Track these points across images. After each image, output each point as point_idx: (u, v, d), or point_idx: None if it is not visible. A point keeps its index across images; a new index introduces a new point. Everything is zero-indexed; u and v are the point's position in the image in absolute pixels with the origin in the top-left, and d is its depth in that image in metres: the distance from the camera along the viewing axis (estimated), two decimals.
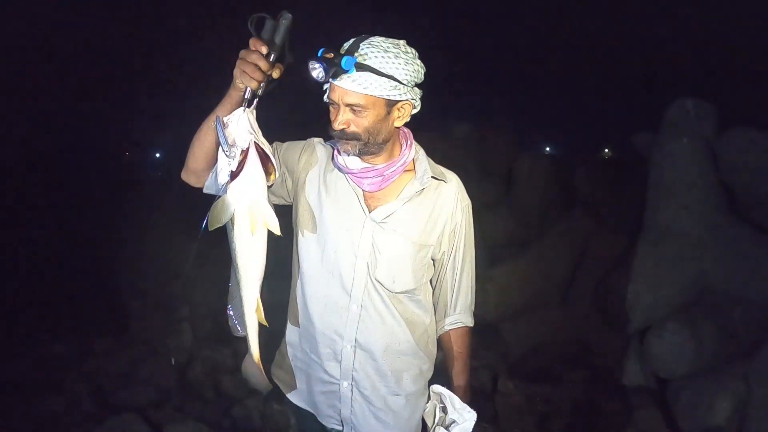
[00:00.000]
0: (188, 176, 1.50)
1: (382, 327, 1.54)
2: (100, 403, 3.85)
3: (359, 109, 1.38)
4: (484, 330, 4.50)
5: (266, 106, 1.33)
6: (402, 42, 1.41)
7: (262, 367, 1.47)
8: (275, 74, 1.28)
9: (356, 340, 1.54)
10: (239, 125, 1.24)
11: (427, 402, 1.63)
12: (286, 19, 1.26)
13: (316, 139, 1.64)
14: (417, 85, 1.44)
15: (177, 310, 5.02)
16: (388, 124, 1.43)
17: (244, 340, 1.40)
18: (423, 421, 1.64)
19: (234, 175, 1.24)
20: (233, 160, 1.24)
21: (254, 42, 1.25)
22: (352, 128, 1.40)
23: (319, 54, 1.33)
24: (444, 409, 1.55)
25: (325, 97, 1.44)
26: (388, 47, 1.36)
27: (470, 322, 1.67)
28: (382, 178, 1.50)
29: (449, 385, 1.62)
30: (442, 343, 1.68)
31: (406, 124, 1.51)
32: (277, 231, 1.30)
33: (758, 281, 3.84)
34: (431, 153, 1.61)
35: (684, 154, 4.17)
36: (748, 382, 3.31)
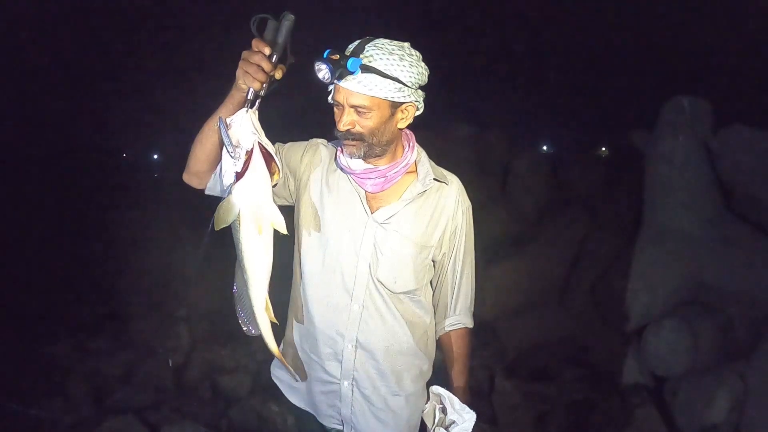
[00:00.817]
0: (190, 178, 1.50)
1: (383, 327, 1.54)
2: (98, 404, 3.84)
3: (364, 110, 1.38)
4: (481, 329, 4.50)
5: (267, 106, 1.32)
6: (407, 44, 1.41)
7: (284, 359, 1.52)
8: (277, 75, 1.28)
9: (357, 340, 1.54)
10: (243, 126, 1.24)
11: (427, 403, 1.63)
12: (288, 20, 1.26)
13: (317, 140, 1.64)
14: (420, 88, 1.45)
15: (174, 311, 5.01)
16: (391, 125, 1.43)
17: (250, 340, 1.42)
18: (422, 421, 1.64)
19: (239, 176, 1.24)
20: (238, 161, 1.24)
21: (257, 43, 1.25)
22: (357, 129, 1.40)
23: (324, 55, 1.33)
24: (443, 410, 1.55)
25: (329, 98, 1.44)
26: (393, 49, 1.37)
27: (470, 324, 1.67)
28: (384, 179, 1.50)
29: (449, 386, 1.62)
30: (441, 344, 1.68)
31: (408, 126, 1.51)
32: (284, 230, 1.30)
33: (755, 279, 3.86)
34: (427, 151, 1.61)
35: (680, 152, 4.19)
36: (745, 379, 3.32)
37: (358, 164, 1.49)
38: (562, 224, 5.56)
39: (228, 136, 1.23)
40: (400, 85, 1.37)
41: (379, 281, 1.52)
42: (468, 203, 1.62)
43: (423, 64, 1.43)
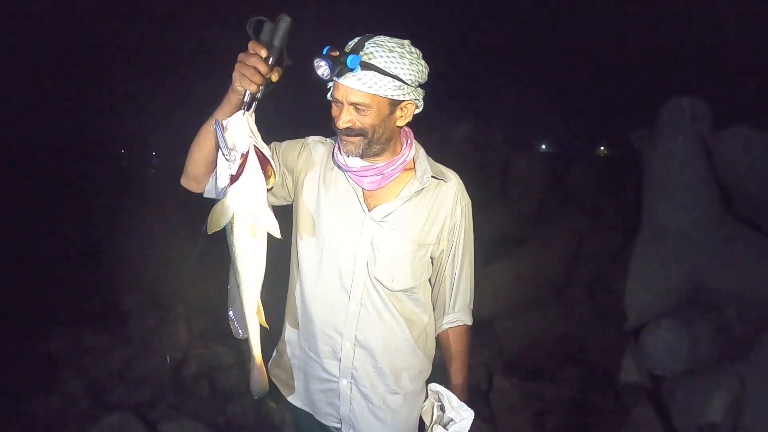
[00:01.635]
0: (188, 182, 1.49)
1: (381, 325, 1.54)
2: (95, 401, 3.84)
3: (363, 107, 1.37)
4: (480, 327, 4.48)
5: (264, 107, 1.32)
6: (407, 42, 1.41)
7: (264, 369, 1.48)
8: (274, 77, 1.28)
9: (356, 338, 1.54)
10: (239, 129, 1.24)
11: (425, 400, 1.63)
12: (284, 22, 1.25)
13: (314, 138, 1.63)
14: (420, 86, 1.44)
15: (172, 307, 5.00)
16: (390, 123, 1.43)
17: (245, 341, 1.40)
18: (421, 419, 1.63)
19: (234, 179, 1.24)
20: (233, 164, 1.24)
21: (253, 45, 1.24)
22: (356, 126, 1.40)
23: (324, 52, 1.33)
24: (442, 408, 1.55)
25: (328, 95, 1.44)
26: (393, 47, 1.36)
27: (469, 321, 1.67)
28: (381, 176, 1.49)
29: (447, 384, 1.62)
30: (440, 341, 1.68)
31: (407, 124, 1.51)
32: (277, 234, 1.30)
33: (753, 279, 3.86)
34: (426, 150, 1.61)
35: (679, 152, 4.18)
36: (743, 379, 3.33)
37: (355, 162, 1.48)
38: (560, 223, 5.56)
39: (224, 138, 1.23)
40: (400, 83, 1.36)
41: (376, 279, 1.51)
42: (467, 200, 1.62)
43: (423, 62, 1.42)
